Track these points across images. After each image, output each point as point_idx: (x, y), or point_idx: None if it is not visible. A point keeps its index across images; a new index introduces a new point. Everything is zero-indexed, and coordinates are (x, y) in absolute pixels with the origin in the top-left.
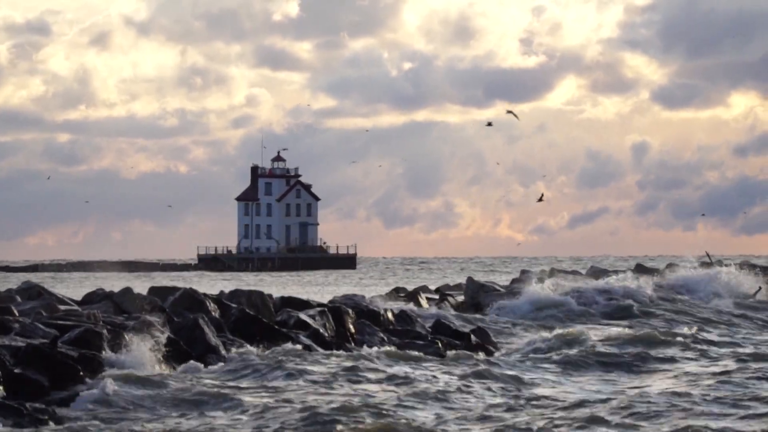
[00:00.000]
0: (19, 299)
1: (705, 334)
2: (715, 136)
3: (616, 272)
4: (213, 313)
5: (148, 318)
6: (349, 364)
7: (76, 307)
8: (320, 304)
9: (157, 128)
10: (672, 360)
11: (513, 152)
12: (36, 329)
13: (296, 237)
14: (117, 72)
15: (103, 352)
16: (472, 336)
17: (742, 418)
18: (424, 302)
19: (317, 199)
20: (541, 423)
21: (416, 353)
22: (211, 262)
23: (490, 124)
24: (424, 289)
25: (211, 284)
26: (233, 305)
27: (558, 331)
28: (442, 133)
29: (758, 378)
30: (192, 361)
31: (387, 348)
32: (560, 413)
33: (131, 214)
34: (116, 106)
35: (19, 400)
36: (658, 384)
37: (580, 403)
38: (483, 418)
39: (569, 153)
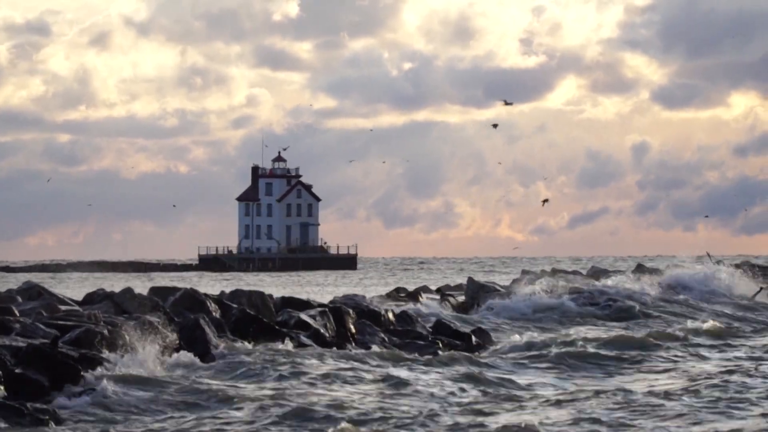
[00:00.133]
0: (19, 299)
1: (700, 337)
2: (715, 136)
3: (617, 272)
4: (214, 314)
5: (149, 318)
6: (342, 364)
7: (76, 308)
8: (321, 305)
9: (157, 128)
10: (661, 361)
11: (513, 152)
12: (37, 329)
13: (297, 237)
14: (117, 72)
15: (104, 352)
16: (473, 336)
17: (716, 420)
18: (425, 302)
19: (318, 199)
20: (514, 419)
21: (406, 353)
22: (211, 263)
23: (495, 125)
24: (425, 289)
25: (212, 284)
26: (234, 305)
27: (550, 332)
28: (442, 133)
29: (743, 382)
30: (192, 361)
31: (378, 348)
32: (533, 409)
33: (131, 215)
34: (116, 106)
35: (20, 400)
36: (639, 384)
37: (557, 402)
38: (460, 415)
39: (569, 153)
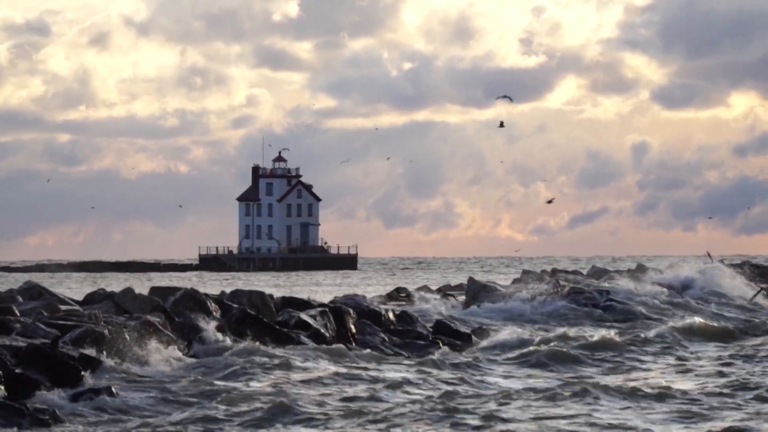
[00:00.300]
0: (20, 299)
1: (692, 339)
2: (715, 136)
3: (617, 272)
4: (214, 314)
5: (149, 318)
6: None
7: (77, 308)
8: (321, 305)
9: (157, 128)
10: (644, 361)
11: (513, 152)
12: (37, 329)
13: (297, 237)
14: (117, 72)
15: (104, 352)
16: (473, 336)
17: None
18: (425, 302)
19: (318, 199)
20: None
21: (405, 352)
22: (212, 263)
23: (502, 125)
24: (425, 289)
25: (212, 284)
26: (234, 305)
27: (544, 333)
28: (442, 133)
29: (718, 386)
30: (192, 361)
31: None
32: (499, 407)
33: (131, 215)
34: (116, 106)
35: (20, 400)
36: (619, 383)
37: (522, 402)
38: (431, 411)
39: (569, 153)
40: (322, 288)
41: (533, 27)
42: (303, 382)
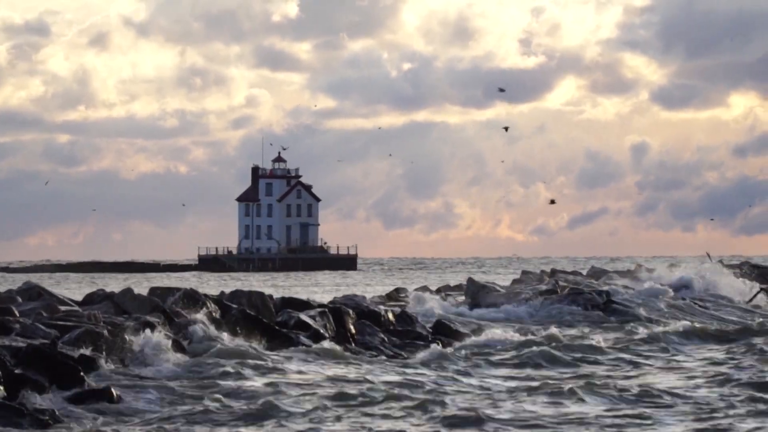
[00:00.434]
0: (19, 300)
1: (687, 340)
2: (715, 137)
3: (617, 273)
4: (213, 314)
5: (149, 318)
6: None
7: (76, 308)
8: (321, 305)
9: (157, 129)
10: (632, 363)
11: (513, 153)
12: (36, 330)
13: (297, 238)
14: (116, 72)
15: (104, 353)
16: (472, 336)
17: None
18: (425, 302)
19: (318, 199)
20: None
21: (404, 352)
22: (211, 263)
23: (506, 128)
24: (425, 289)
25: (212, 285)
26: (234, 306)
27: (536, 334)
28: (441, 133)
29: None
30: (192, 361)
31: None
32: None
33: (131, 215)
34: (116, 106)
35: (20, 401)
36: (597, 383)
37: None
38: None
39: (569, 153)
40: (321, 288)
41: (533, 27)
42: (298, 382)
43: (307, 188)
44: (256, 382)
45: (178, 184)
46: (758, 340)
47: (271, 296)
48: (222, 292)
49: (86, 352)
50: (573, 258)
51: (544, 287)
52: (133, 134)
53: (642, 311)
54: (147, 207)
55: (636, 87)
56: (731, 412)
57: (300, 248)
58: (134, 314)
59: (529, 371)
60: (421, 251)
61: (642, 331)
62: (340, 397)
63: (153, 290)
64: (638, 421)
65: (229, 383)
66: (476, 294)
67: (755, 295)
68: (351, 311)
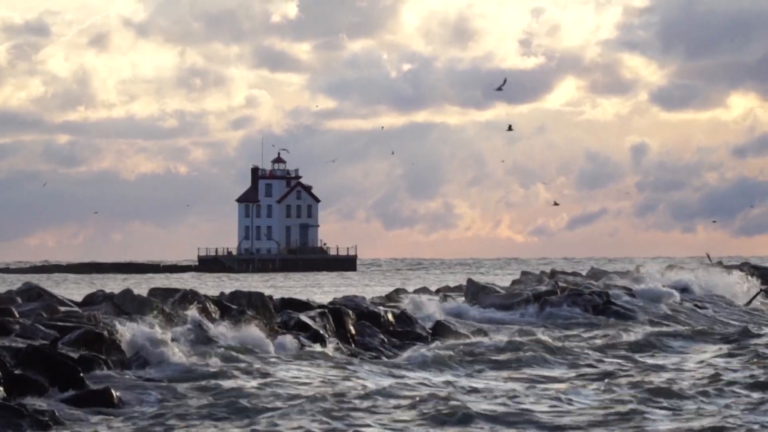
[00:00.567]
0: (19, 300)
1: (677, 343)
2: (714, 138)
3: (616, 273)
4: (213, 315)
5: (149, 319)
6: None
7: (76, 309)
8: (321, 306)
9: (157, 129)
10: (618, 365)
11: (513, 153)
12: (36, 330)
13: (296, 238)
14: (116, 73)
15: (104, 354)
16: (471, 336)
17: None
18: (425, 303)
19: (317, 200)
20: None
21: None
22: (211, 264)
23: (510, 128)
24: (425, 290)
25: (212, 286)
26: (234, 306)
27: (540, 334)
28: (441, 134)
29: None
30: (191, 362)
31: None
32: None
33: (131, 216)
34: (115, 107)
35: (20, 401)
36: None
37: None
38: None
39: (568, 154)
40: (321, 289)
41: (532, 28)
42: (298, 382)
43: (307, 189)
44: (255, 383)
45: (177, 185)
46: (754, 342)
47: (271, 297)
48: (222, 293)
49: (86, 353)
50: (571, 258)
51: (543, 288)
52: (132, 135)
53: (641, 313)
54: (147, 208)
55: (635, 88)
56: (721, 411)
57: (300, 249)
58: (134, 315)
59: (526, 371)
60: (421, 252)
61: (639, 333)
62: (335, 397)
63: (153, 291)
64: (631, 422)
65: (229, 383)
66: (476, 295)
67: (754, 297)
68: (351, 312)
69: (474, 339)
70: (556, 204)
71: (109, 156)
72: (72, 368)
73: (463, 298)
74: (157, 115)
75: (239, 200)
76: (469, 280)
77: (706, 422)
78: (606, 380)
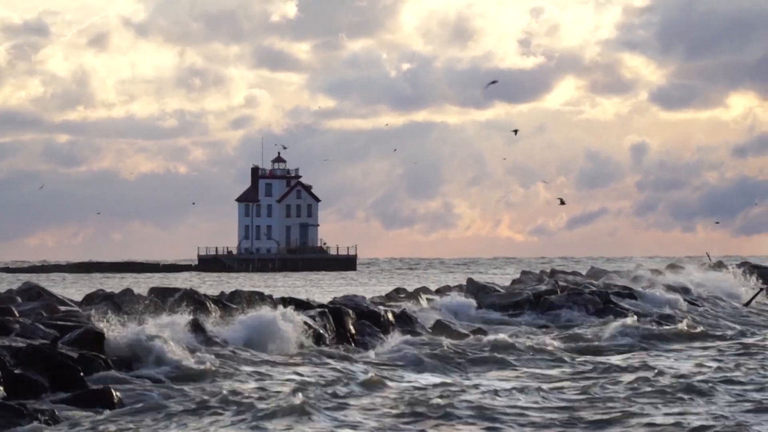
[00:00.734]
0: (19, 300)
1: (665, 344)
2: (714, 137)
3: (617, 273)
4: (213, 314)
5: (149, 319)
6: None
7: (76, 308)
8: (321, 305)
9: (156, 129)
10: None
11: (512, 153)
12: (36, 330)
13: (296, 238)
14: (116, 73)
15: (104, 353)
16: (470, 336)
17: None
18: (424, 303)
19: (317, 200)
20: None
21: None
22: (211, 263)
23: (516, 131)
24: (425, 290)
25: (212, 285)
26: (234, 306)
27: (540, 334)
28: (441, 133)
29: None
30: (191, 361)
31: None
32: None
33: (131, 215)
34: (115, 107)
35: (19, 401)
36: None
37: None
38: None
39: (568, 154)
40: (321, 289)
41: (532, 28)
42: (292, 382)
43: (307, 188)
44: (255, 382)
45: (177, 185)
46: (747, 342)
47: (271, 296)
48: (222, 293)
49: (86, 352)
50: (569, 258)
51: (543, 287)
52: (132, 134)
53: (640, 312)
54: (147, 207)
55: (635, 87)
56: (710, 411)
57: (300, 248)
58: (134, 314)
59: (522, 370)
60: (420, 251)
61: (637, 333)
62: (330, 397)
63: (153, 290)
64: (624, 421)
65: (229, 383)
66: (476, 294)
67: (754, 296)
68: (351, 311)
69: (473, 338)
70: (562, 203)
71: (109, 156)
72: (72, 368)
73: (463, 298)
74: (157, 114)
75: (239, 200)
76: (469, 280)
77: (695, 421)
78: (600, 380)
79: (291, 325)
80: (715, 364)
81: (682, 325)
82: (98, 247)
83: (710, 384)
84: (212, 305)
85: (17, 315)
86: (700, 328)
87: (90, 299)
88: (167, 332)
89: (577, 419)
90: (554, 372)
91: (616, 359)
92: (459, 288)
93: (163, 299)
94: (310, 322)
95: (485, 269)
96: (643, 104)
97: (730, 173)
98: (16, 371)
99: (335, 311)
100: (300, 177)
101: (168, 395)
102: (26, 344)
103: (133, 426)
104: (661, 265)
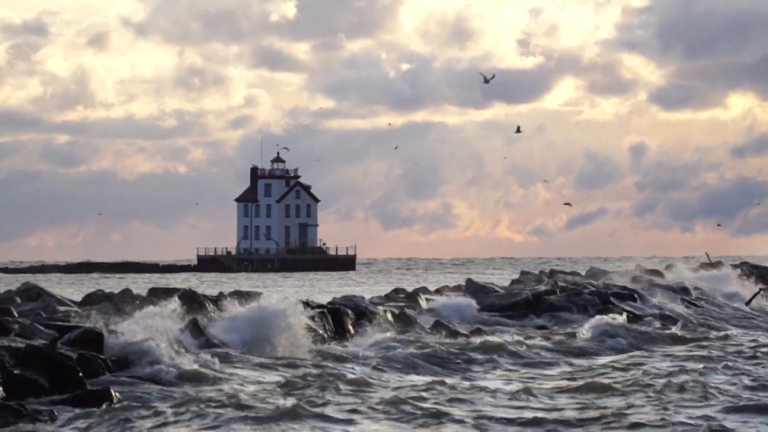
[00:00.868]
0: (18, 300)
1: (658, 345)
2: (713, 137)
3: (617, 273)
4: (212, 314)
5: (148, 319)
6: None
7: (75, 308)
8: (320, 305)
9: (156, 129)
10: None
11: (511, 153)
12: (35, 330)
13: (296, 238)
14: (115, 73)
15: (103, 353)
16: (469, 336)
17: None
18: (423, 303)
19: (317, 200)
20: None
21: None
22: (210, 264)
23: (519, 129)
24: (424, 290)
25: (211, 285)
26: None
27: (541, 334)
28: (440, 134)
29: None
30: (191, 361)
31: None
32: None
33: (130, 216)
34: (114, 107)
35: (19, 401)
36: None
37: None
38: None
39: (567, 154)
40: (320, 289)
41: (531, 28)
42: (286, 381)
43: (306, 189)
44: (254, 382)
45: (177, 185)
46: (748, 342)
47: None
48: (221, 293)
49: (85, 352)
50: (567, 258)
51: (542, 288)
52: (132, 134)
53: (638, 313)
54: (146, 207)
55: (634, 88)
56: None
57: (299, 249)
58: (133, 314)
59: (519, 370)
60: (419, 252)
61: (635, 333)
62: (326, 397)
63: (152, 291)
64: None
65: (228, 383)
66: (476, 294)
67: (754, 296)
68: (350, 312)
69: (471, 338)
70: (567, 204)
71: (108, 156)
72: (71, 368)
73: (461, 296)
74: (156, 114)
75: (238, 200)
76: (469, 280)
77: (683, 421)
78: (594, 380)
79: (298, 320)
80: (711, 365)
81: (680, 326)
82: (98, 247)
83: (702, 385)
84: (211, 305)
85: (16, 315)
86: (698, 329)
87: (89, 299)
88: (166, 332)
89: (567, 420)
90: (549, 372)
91: (610, 360)
92: (458, 288)
93: (162, 300)
94: (310, 322)
95: (484, 269)
96: (642, 104)
97: (729, 173)
98: (15, 371)
99: (334, 311)
100: (299, 177)
101: (167, 396)
102: (26, 344)
103: (132, 426)
104: (660, 266)
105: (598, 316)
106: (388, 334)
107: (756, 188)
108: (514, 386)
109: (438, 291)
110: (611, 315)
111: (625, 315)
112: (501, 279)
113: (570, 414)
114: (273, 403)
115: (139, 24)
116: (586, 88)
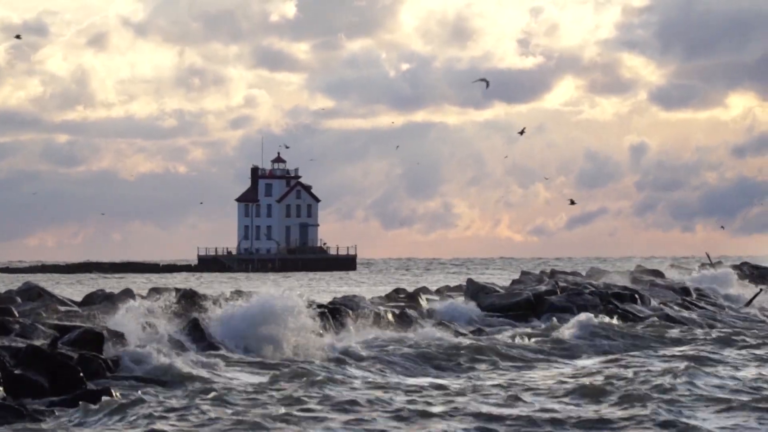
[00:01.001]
0: (19, 300)
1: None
2: (714, 137)
3: (617, 274)
4: (212, 313)
5: (148, 319)
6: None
7: (76, 308)
8: (320, 306)
9: (156, 129)
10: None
11: (512, 153)
12: (36, 330)
13: (296, 238)
14: (115, 73)
15: (103, 353)
16: (469, 336)
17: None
18: (424, 303)
19: (317, 200)
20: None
21: None
22: (210, 264)
23: (522, 131)
24: (425, 290)
25: (211, 285)
26: None
27: (542, 334)
28: (440, 133)
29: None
30: (191, 361)
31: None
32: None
33: (131, 216)
34: (114, 106)
35: (19, 401)
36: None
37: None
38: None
39: (568, 154)
40: (321, 289)
41: (531, 28)
42: (284, 381)
43: (307, 188)
44: (254, 382)
45: (177, 185)
46: (747, 342)
47: None
48: (221, 293)
49: (86, 352)
50: (566, 258)
51: (543, 288)
52: (132, 134)
53: (638, 313)
54: (146, 207)
55: (635, 87)
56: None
57: (299, 249)
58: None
59: (515, 370)
60: (420, 251)
61: (633, 334)
62: (322, 397)
63: (152, 291)
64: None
65: (228, 383)
66: (476, 294)
67: (754, 297)
68: (351, 312)
69: (471, 338)
70: (572, 203)
71: (109, 156)
72: (72, 368)
73: (462, 298)
74: (156, 114)
75: (239, 200)
76: (469, 280)
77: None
78: (590, 381)
79: (298, 320)
80: (705, 367)
81: (679, 326)
82: (98, 247)
83: (698, 386)
84: (211, 305)
85: (17, 315)
86: (696, 329)
87: (89, 299)
88: (166, 333)
89: (562, 421)
90: (545, 373)
91: (606, 360)
92: (459, 288)
93: (162, 300)
94: (310, 321)
95: (484, 269)
96: (643, 104)
97: (729, 173)
98: (16, 371)
99: (335, 311)
100: (299, 177)
101: (166, 396)
102: (26, 345)
103: (133, 426)
104: (661, 266)
105: (585, 315)
106: (389, 334)
107: (756, 188)
108: (512, 387)
109: (438, 291)
110: (617, 315)
111: (632, 316)
112: (501, 279)
113: (565, 415)
114: (271, 404)
115: (139, 24)
116: (586, 87)
